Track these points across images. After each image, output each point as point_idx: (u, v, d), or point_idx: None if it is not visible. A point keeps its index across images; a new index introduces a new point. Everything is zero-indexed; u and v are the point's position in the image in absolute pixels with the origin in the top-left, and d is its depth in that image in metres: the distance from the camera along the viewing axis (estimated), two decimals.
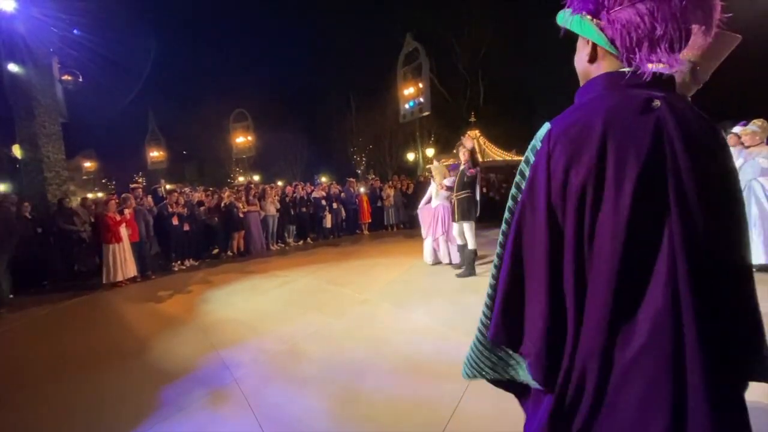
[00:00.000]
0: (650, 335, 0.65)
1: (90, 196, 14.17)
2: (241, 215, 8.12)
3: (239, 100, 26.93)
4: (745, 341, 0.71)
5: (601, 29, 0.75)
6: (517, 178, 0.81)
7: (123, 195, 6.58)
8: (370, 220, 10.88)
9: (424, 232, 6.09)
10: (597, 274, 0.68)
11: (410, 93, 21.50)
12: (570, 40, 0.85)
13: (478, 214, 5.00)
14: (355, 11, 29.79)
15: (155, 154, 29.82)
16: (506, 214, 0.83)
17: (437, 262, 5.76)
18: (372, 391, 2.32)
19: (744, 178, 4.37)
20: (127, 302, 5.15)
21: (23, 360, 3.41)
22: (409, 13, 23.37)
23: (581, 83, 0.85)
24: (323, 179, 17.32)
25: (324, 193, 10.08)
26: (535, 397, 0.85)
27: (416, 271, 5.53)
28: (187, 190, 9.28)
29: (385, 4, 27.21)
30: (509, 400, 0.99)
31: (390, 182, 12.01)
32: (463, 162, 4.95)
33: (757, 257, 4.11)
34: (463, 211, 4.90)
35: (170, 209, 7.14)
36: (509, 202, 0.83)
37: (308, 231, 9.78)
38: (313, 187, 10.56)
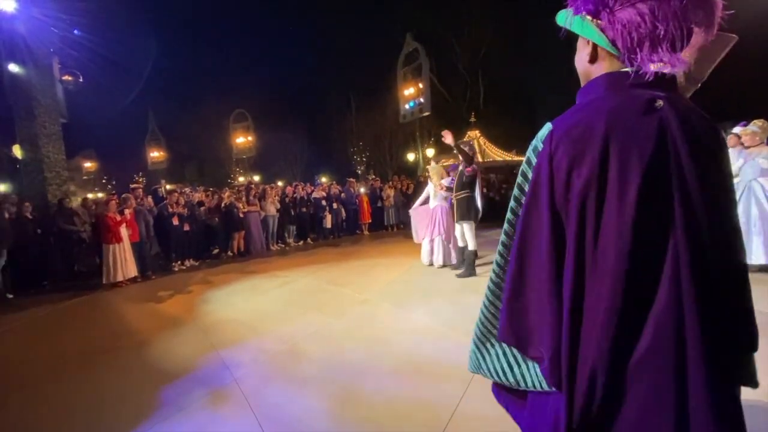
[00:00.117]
0: (655, 336, 0.66)
1: (90, 196, 14.18)
2: (241, 215, 8.13)
3: (239, 100, 26.95)
4: (742, 343, 0.71)
5: (602, 30, 0.74)
6: (519, 179, 0.81)
7: (123, 195, 6.58)
8: (370, 221, 10.88)
9: (414, 233, 6.07)
10: (602, 274, 0.68)
11: (410, 93, 21.51)
12: (570, 40, 0.85)
13: (480, 215, 4.97)
14: (355, 11, 29.79)
15: (155, 154, 29.83)
16: (509, 215, 0.83)
17: (431, 263, 5.66)
18: (372, 392, 2.32)
19: (744, 178, 4.36)
20: (128, 302, 5.15)
21: (23, 360, 3.41)
22: (409, 13, 23.40)
23: (582, 83, 0.85)
24: (323, 179, 17.30)
25: (324, 194, 10.09)
26: (537, 401, 0.85)
27: (416, 271, 5.52)
28: (187, 190, 9.28)
29: (385, 4, 27.22)
30: None
31: (390, 182, 12.02)
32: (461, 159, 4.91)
33: (757, 257, 4.11)
34: (463, 211, 4.88)
35: (170, 209, 7.14)
36: (511, 203, 0.83)
37: (308, 231, 9.78)
38: (313, 188, 10.57)
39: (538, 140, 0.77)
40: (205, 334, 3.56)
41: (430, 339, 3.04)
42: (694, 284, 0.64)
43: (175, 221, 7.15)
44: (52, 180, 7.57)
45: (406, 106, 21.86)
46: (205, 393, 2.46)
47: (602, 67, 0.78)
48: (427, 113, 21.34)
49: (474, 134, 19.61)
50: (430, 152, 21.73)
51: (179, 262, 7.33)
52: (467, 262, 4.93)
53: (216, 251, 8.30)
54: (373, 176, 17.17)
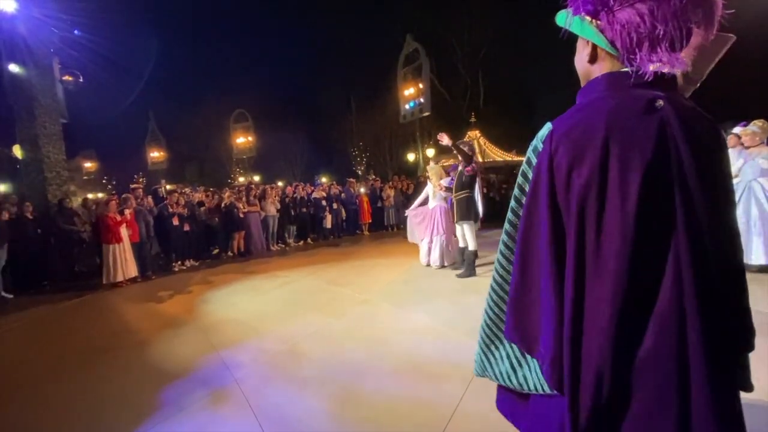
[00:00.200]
0: (658, 337, 0.66)
1: (90, 196, 14.18)
2: (241, 215, 8.13)
3: (239, 100, 26.90)
4: (740, 343, 0.72)
5: (601, 30, 0.74)
6: (520, 179, 0.81)
7: (123, 195, 6.59)
8: (370, 221, 10.89)
9: (410, 234, 6.06)
10: (603, 275, 0.68)
11: (410, 93, 21.47)
12: (570, 40, 0.85)
13: (481, 216, 4.96)
14: (355, 11, 29.81)
15: (155, 154, 29.79)
16: (509, 215, 0.83)
17: (428, 264, 5.64)
18: (372, 392, 2.32)
19: (744, 178, 4.36)
20: (128, 302, 5.15)
21: (23, 360, 3.41)
22: (409, 14, 23.42)
23: (582, 84, 0.85)
24: (323, 180, 17.31)
25: (324, 194, 10.09)
26: (539, 406, 0.85)
27: (416, 271, 5.52)
28: (187, 190, 9.30)
29: (385, 4, 27.23)
30: None
31: (390, 182, 12.01)
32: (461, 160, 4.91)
33: (757, 257, 4.11)
34: (462, 211, 4.88)
35: (171, 209, 7.15)
36: (512, 203, 0.83)
37: (308, 231, 9.78)
38: (313, 188, 10.57)
39: (538, 140, 0.77)
40: (206, 334, 3.56)
41: (430, 339, 3.04)
42: (695, 284, 0.64)
43: (176, 221, 7.15)
44: (53, 180, 7.58)
45: (406, 107, 21.83)
46: (205, 393, 2.46)
47: (602, 68, 0.78)
48: (427, 113, 21.30)
49: (474, 134, 19.60)
50: (430, 152, 21.71)
51: (179, 263, 7.34)
52: (467, 263, 4.93)
53: (216, 251, 8.30)
54: (373, 176, 17.16)
